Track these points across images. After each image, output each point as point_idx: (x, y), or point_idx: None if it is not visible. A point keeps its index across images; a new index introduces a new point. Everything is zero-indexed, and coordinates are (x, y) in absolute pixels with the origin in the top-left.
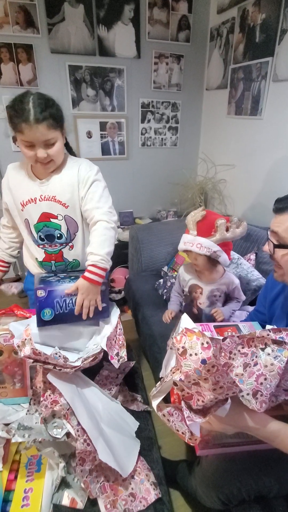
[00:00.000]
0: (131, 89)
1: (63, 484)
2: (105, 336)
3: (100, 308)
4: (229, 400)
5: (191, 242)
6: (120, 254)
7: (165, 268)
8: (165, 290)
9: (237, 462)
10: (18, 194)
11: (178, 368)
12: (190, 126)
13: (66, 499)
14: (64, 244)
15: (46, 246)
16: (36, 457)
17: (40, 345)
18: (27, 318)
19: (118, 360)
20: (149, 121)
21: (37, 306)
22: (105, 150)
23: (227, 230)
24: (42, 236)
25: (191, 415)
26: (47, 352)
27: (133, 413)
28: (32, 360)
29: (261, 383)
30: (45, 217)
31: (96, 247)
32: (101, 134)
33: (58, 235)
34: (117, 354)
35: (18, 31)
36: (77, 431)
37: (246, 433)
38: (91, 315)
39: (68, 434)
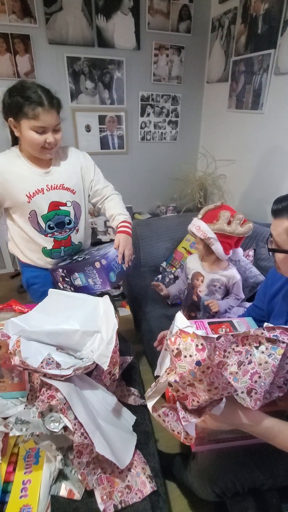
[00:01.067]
0: (131, 82)
1: (61, 476)
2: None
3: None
4: (224, 399)
5: (194, 224)
6: None
7: (164, 264)
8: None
9: (232, 456)
10: (21, 186)
11: (172, 369)
12: (190, 120)
13: (63, 490)
14: (72, 229)
15: (56, 234)
16: (34, 450)
17: (38, 344)
18: (25, 313)
19: (110, 378)
20: (148, 114)
21: (103, 273)
22: (104, 144)
23: (229, 223)
24: (51, 225)
25: (186, 416)
26: (44, 354)
27: (130, 407)
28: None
29: (256, 381)
30: (55, 206)
31: (122, 209)
32: (100, 128)
33: (68, 221)
34: (110, 373)
35: (14, 21)
36: (74, 425)
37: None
38: (130, 263)
39: (65, 428)
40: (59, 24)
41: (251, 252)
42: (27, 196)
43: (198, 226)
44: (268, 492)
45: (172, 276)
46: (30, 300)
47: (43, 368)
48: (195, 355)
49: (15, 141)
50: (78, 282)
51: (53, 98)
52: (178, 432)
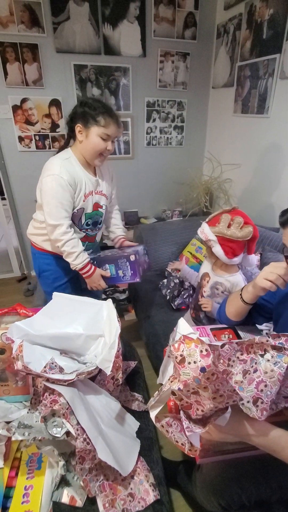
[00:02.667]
0: (137, 88)
1: (63, 482)
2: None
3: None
4: (229, 409)
5: (201, 226)
6: None
7: (169, 268)
8: (169, 290)
9: (237, 468)
10: (83, 187)
11: (176, 377)
12: (195, 125)
13: (65, 497)
14: (100, 229)
15: (89, 230)
16: (37, 455)
17: (41, 348)
18: (30, 316)
19: (113, 383)
20: (154, 120)
21: (135, 265)
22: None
23: (229, 226)
24: (89, 222)
25: (190, 426)
26: (47, 359)
27: (134, 413)
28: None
29: (262, 390)
30: (96, 207)
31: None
32: None
33: (100, 221)
34: (113, 378)
35: (23, 31)
36: (77, 430)
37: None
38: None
39: (67, 433)
40: (66, 33)
41: (257, 256)
42: (85, 195)
43: (202, 229)
44: (276, 505)
45: (177, 280)
46: (37, 304)
47: (46, 373)
48: (200, 361)
49: (66, 145)
50: (107, 273)
51: (118, 116)
52: (182, 444)
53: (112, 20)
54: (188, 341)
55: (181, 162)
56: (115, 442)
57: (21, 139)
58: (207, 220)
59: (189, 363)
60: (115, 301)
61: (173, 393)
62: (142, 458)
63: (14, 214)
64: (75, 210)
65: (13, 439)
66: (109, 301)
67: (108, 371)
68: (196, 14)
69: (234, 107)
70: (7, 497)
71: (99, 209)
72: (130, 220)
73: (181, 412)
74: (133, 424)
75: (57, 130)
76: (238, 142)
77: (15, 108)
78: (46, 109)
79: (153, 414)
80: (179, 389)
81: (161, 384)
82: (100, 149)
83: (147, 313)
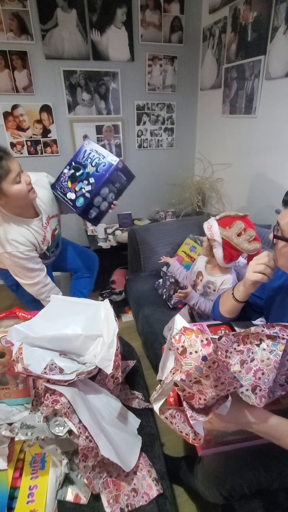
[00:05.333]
0: (126, 92)
1: (67, 480)
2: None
3: None
4: (230, 398)
5: (208, 222)
6: (120, 256)
7: (164, 268)
8: (164, 290)
9: (238, 458)
10: (37, 237)
11: (177, 369)
12: (185, 126)
13: (70, 495)
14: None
15: (55, 251)
16: (40, 455)
17: (41, 350)
18: (28, 319)
19: (113, 382)
20: (144, 123)
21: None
22: None
23: (239, 235)
24: (52, 250)
25: (194, 415)
26: (47, 360)
27: (135, 410)
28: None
29: (259, 378)
30: (53, 233)
31: None
32: (97, 137)
33: (60, 239)
34: (113, 376)
35: (12, 38)
36: (79, 428)
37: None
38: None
39: (70, 432)
40: (55, 39)
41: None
42: (42, 241)
43: (210, 225)
44: (276, 492)
45: (173, 279)
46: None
47: (46, 374)
48: (201, 350)
49: None
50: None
51: (4, 148)
52: (186, 434)
53: (100, 26)
54: (189, 332)
55: (173, 164)
56: (116, 439)
57: (13, 145)
58: (217, 217)
59: (191, 353)
60: (112, 302)
61: (175, 384)
62: (144, 454)
63: None
64: (40, 254)
65: (16, 439)
66: (106, 301)
67: (108, 370)
68: (182, 18)
69: (222, 108)
70: (12, 497)
71: (56, 232)
72: (124, 222)
73: (184, 402)
74: (134, 421)
75: (49, 135)
76: (227, 142)
77: (6, 115)
78: (37, 115)
79: (156, 407)
80: (181, 379)
81: (161, 381)
82: (25, 192)
83: (144, 313)
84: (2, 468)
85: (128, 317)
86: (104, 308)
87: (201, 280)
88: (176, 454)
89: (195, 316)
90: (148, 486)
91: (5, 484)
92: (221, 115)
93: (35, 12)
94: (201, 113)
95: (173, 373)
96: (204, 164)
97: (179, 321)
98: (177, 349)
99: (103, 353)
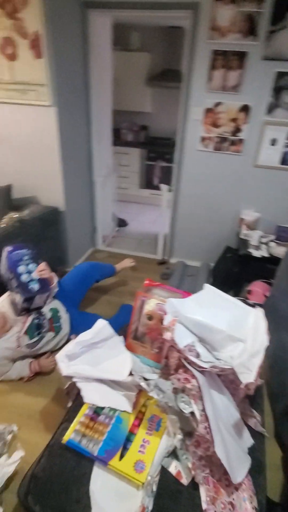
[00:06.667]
0: None
1: (173, 454)
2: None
3: None
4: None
5: None
6: (265, 268)
7: None
8: None
9: None
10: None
11: None
12: None
13: (173, 468)
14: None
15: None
16: (157, 418)
17: (184, 328)
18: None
19: (245, 392)
20: None
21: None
22: (286, 160)
23: None
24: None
25: None
26: (188, 340)
27: (249, 429)
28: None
29: None
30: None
31: None
32: (286, 143)
33: None
34: (246, 386)
35: (237, 39)
36: (201, 415)
37: None
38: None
39: (191, 413)
40: (278, 41)
41: None
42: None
43: None
44: None
45: None
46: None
47: (185, 352)
48: None
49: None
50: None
51: None
52: None
53: None
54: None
55: None
56: (229, 446)
57: (203, 139)
58: None
59: None
60: None
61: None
62: (249, 477)
63: (174, 204)
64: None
65: (150, 394)
66: (260, 310)
67: (243, 378)
68: None
69: None
70: (128, 440)
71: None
72: (282, 236)
73: None
74: (247, 439)
75: (238, 134)
76: None
77: (207, 111)
78: (234, 114)
79: None
80: None
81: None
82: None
83: (281, 337)
84: (128, 410)
85: None
86: (255, 316)
87: None
88: (272, 496)
89: None
90: (246, 510)
91: (127, 424)
92: None
93: (268, 13)
94: None
95: None
96: None
97: None
98: None
99: (243, 359)
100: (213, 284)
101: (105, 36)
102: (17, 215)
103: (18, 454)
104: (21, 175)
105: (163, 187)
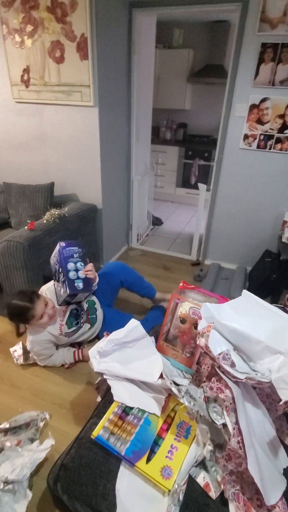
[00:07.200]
0: None
1: (201, 464)
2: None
3: None
4: None
5: None
6: None
7: None
8: None
9: None
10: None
11: None
12: None
13: (201, 479)
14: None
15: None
16: (186, 425)
17: (219, 335)
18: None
19: (284, 409)
20: None
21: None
22: None
23: None
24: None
25: None
26: (223, 348)
27: (285, 448)
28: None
29: None
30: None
31: None
32: None
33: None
34: (286, 403)
35: None
36: (233, 429)
37: None
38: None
39: (224, 425)
40: None
41: None
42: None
43: None
44: None
45: None
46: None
47: (219, 360)
48: None
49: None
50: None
51: (32, 297)
52: None
53: None
54: None
55: None
56: (263, 464)
57: (245, 137)
58: None
59: None
60: None
61: None
62: (284, 500)
63: (211, 205)
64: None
65: (180, 401)
66: None
67: (283, 395)
68: None
69: None
70: (156, 443)
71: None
72: None
73: None
74: (283, 459)
75: (285, 131)
76: None
77: (251, 107)
78: (282, 110)
79: None
80: None
81: None
82: (45, 323)
83: None
84: (156, 413)
85: None
86: None
87: None
88: None
89: None
90: None
91: (155, 427)
92: None
93: None
94: None
95: None
96: None
97: None
98: None
99: (283, 373)
100: (248, 289)
101: (149, 34)
102: (57, 212)
103: (49, 442)
104: (62, 173)
105: (201, 186)
